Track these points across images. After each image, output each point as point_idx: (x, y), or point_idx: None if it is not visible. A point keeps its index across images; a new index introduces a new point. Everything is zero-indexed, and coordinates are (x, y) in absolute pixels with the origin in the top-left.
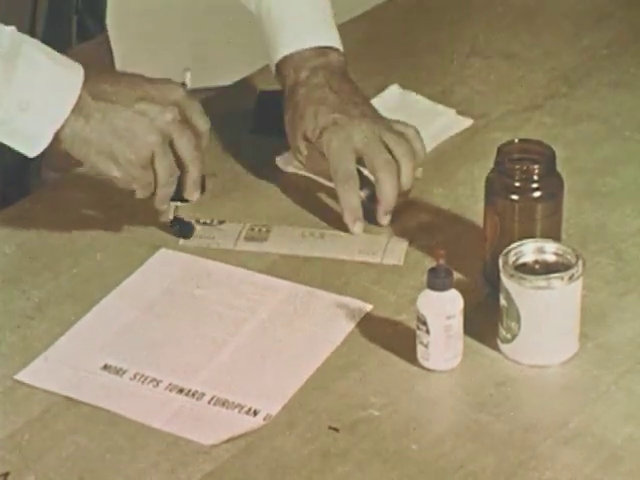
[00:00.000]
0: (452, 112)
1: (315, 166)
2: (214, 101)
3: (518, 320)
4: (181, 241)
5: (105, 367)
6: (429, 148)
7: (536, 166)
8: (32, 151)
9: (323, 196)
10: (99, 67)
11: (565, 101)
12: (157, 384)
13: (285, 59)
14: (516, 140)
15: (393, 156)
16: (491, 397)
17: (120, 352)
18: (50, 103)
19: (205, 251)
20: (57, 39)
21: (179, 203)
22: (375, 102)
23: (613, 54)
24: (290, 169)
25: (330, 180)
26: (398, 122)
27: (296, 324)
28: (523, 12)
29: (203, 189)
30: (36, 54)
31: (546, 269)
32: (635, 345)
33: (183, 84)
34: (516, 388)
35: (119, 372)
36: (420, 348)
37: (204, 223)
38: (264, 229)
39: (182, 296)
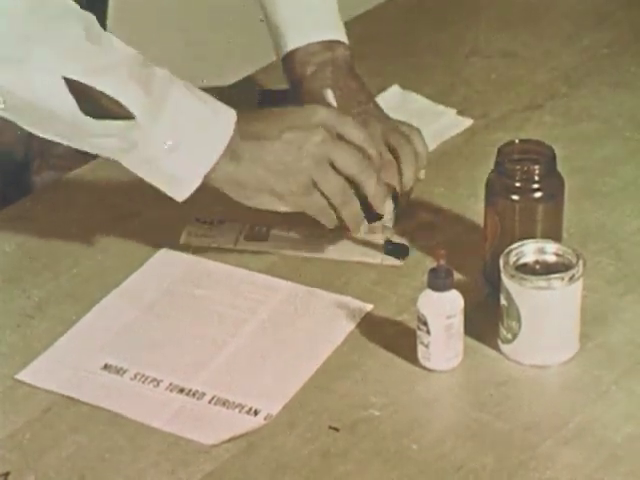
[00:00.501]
0: (452, 112)
1: None
2: None
3: (518, 320)
4: (182, 241)
5: (105, 367)
6: (430, 148)
7: (536, 166)
8: (180, 194)
9: None
10: (246, 107)
11: (565, 101)
12: (157, 384)
13: (291, 53)
14: (516, 140)
15: (395, 157)
16: (491, 397)
17: (120, 352)
18: (200, 145)
19: (205, 251)
20: None
21: (378, 223)
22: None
23: (614, 54)
24: None
25: None
26: (402, 123)
27: (296, 324)
28: (524, 12)
29: (407, 196)
30: (187, 96)
31: (547, 269)
32: (635, 345)
33: (328, 104)
34: (516, 388)
35: (119, 372)
36: (421, 348)
37: (204, 222)
38: (264, 229)
39: (182, 296)
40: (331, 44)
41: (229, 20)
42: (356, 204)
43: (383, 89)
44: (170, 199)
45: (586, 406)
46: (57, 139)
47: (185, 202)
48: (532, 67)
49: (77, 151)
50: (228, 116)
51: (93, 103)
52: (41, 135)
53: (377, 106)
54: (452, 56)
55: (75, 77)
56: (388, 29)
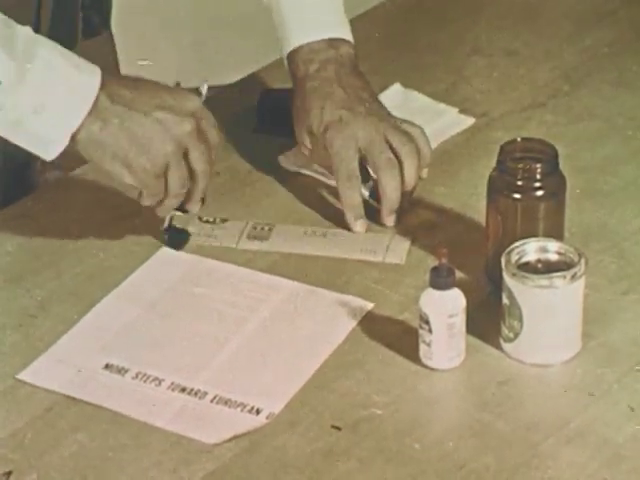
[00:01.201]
0: (454, 111)
1: (320, 160)
2: (217, 100)
3: (520, 319)
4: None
5: (107, 366)
6: (432, 146)
7: (538, 165)
8: (48, 154)
9: (326, 195)
10: (104, 65)
11: (567, 100)
12: (159, 383)
13: (295, 51)
14: (518, 139)
15: (397, 155)
16: (493, 396)
17: (122, 351)
18: (66, 106)
19: (207, 249)
20: (62, 36)
21: (178, 212)
22: None
23: (615, 53)
24: (293, 168)
25: (333, 178)
26: (405, 121)
27: (298, 323)
28: (525, 11)
29: (203, 201)
30: (52, 56)
31: (548, 268)
32: (637, 344)
33: (199, 93)
34: (518, 387)
35: (121, 371)
36: (422, 347)
37: (206, 221)
38: (266, 228)
39: (183, 295)
40: (335, 42)
41: (229, 20)
42: (180, 199)
43: (385, 88)
44: None
45: (588, 405)
46: None
47: (184, 213)
48: (533, 66)
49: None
50: (93, 75)
51: None
52: None
53: (380, 104)
54: (453, 55)
55: None
56: (389, 28)
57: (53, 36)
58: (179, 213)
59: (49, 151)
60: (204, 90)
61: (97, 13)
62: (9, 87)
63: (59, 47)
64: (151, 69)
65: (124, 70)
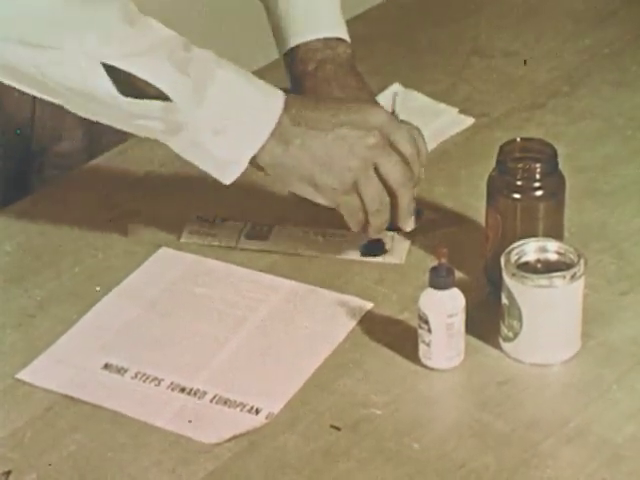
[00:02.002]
0: (454, 111)
1: None
2: None
3: (520, 319)
4: (183, 239)
5: (106, 366)
6: (431, 147)
7: (538, 165)
8: (225, 177)
9: None
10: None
11: (567, 100)
12: (159, 383)
13: (293, 50)
14: (518, 139)
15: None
16: (493, 396)
17: (121, 351)
18: (247, 129)
19: (206, 249)
20: None
21: (394, 233)
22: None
23: (615, 53)
24: None
25: None
26: (402, 122)
27: (297, 322)
28: (525, 11)
29: (419, 217)
30: (232, 77)
31: (548, 268)
32: (637, 344)
33: (393, 112)
34: (518, 387)
35: (120, 371)
36: (422, 347)
37: (206, 220)
38: (266, 227)
39: (183, 295)
40: (332, 42)
41: (229, 20)
42: (387, 215)
43: (384, 88)
44: (170, 198)
45: (588, 405)
46: (103, 121)
47: (186, 201)
48: (533, 66)
49: (79, 150)
50: (276, 98)
51: (133, 86)
52: (86, 116)
53: (377, 105)
54: (453, 55)
55: (111, 62)
56: (388, 28)
57: None
58: (391, 233)
59: (226, 174)
60: (396, 104)
61: None
62: (187, 107)
63: (242, 70)
64: None
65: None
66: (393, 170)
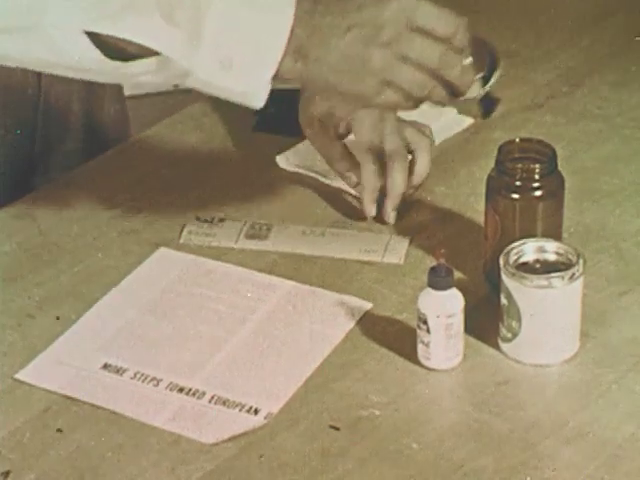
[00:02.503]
0: (453, 111)
1: (321, 147)
2: (215, 100)
3: (519, 319)
4: (182, 240)
5: (105, 366)
6: None
7: (537, 165)
8: (255, 103)
9: (324, 194)
10: None
11: (566, 100)
12: (157, 383)
13: None
14: (517, 139)
15: (409, 148)
16: (492, 396)
17: (120, 351)
18: (257, 54)
19: (205, 249)
20: None
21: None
22: None
23: (614, 53)
24: (291, 168)
25: (331, 177)
26: (412, 122)
27: (296, 323)
28: (524, 11)
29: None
30: (227, 6)
31: (547, 268)
32: (636, 344)
33: None
34: (517, 387)
35: (119, 371)
36: (421, 347)
37: (205, 221)
38: (265, 227)
39: (182, 295)
40: None
41: None
42: (441, 90)
43: None
44: (169, 198)
45: (587, 405)
46: (110, 82)
47: (185, 201)
48: (533, 66)
49: (82, 150)
50: (282, 15)
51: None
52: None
53: None
54: None
55: (93, 29)
56: None
57: None
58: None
59: (254, 100)
60: None
61: None
62: (184, 57)
63: None
64: None
65: None
66: (423, 53)
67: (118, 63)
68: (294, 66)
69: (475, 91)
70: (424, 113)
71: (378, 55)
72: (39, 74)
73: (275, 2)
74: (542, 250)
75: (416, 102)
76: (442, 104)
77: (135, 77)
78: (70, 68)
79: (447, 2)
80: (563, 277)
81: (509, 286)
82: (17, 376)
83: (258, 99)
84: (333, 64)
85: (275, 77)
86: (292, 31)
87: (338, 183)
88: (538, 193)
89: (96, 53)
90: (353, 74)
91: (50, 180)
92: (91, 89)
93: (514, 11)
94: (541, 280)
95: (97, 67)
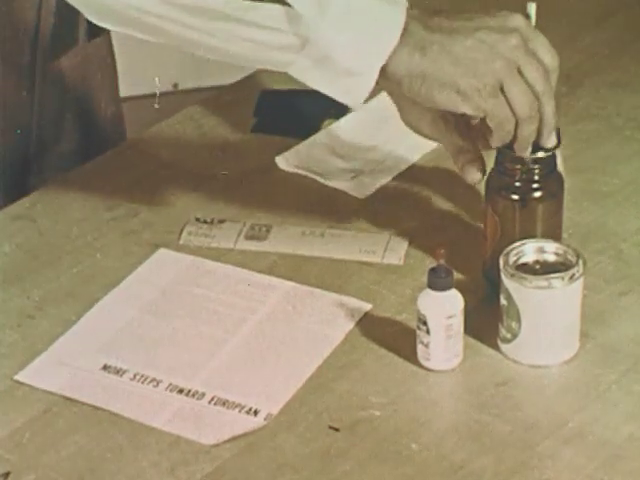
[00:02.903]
0: None
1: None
2: (214, 101)
3: (518, 320)
4: (182, 240)
5: (105, 367)
6: (430, 148)
7: (536, 166)
8: (355, 97)
9: (323, 195)
10: (103, 66)
11: (565, 101)
12: (157, 384)
13: None
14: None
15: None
16: (491, 397)
17: (120, 352)
18: (373, 36)
19: (205, 250)
20: (63, 36)
21: (539, 154)
22: (375, 103)
23: (614, 53)
24: (290, 168)
25: (330, 178)
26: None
27: (295, 324)
28: (523, 11)
29: (559, 138)
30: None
31: (546, 269)
32: (636, 344)
33: (526, 15)
34: (516, 388)
35: (119, 372)
36: (420, 348)
37: (204, 222)
38: (264, 228)
39: (181, 296)
40: None
41: None
42: (537, 122)
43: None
44: (168, 199)
45: (586, 406)
46: (217, 44)
47: (185, 202)
48: None
49: (77, 151)
50: (398, 6)
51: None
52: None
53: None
54: None
55: None
56: None
57: (54, 36)
58: (540, 154)
59: (355, 93)
60: (532, 10)
61: None
62: (312, 17)
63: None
64: (150, 70)
65: (122, 72)
66: (537, 76)
67: (248, 2)
68: (411, 56)
69: (552, 142)
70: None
71: (502, 57)
72: (33, 76)
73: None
74: (542, 251)
75: (509, 133)
76: (524, 148)
77: (254, 31)
78: (193, 11)
79: (446, 3)
80: (563, 278)
81: (509, 287)
82: (17, 377)
83: (361, 91)
84: (456, 57)
85: (386, 71)
86: (407, 23)
87: (337, 184)
88: (538, 194)
89: None
90: (474, 69)
91: (45, 181)
92: (85, 91)
93: (514, 11)
94: (541, 281)
95: (223, 7)
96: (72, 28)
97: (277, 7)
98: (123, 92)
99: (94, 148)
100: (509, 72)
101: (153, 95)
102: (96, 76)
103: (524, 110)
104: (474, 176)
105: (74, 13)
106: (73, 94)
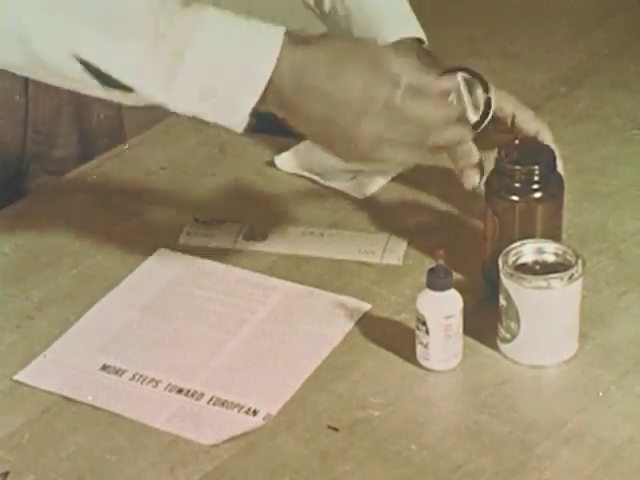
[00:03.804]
0: None
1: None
2: None
3: (517, 320)
4: (181, 241)
5: (104, 367)
6: None
7: (536, 167)
8: (238, 128)
9: (323, 196)
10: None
11: (565, 101)
12: (156, 384)
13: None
14: (516, 141)
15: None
16: (490, 397)
17: (119, 352)
18: (234, 92)
19: (204, 251)
20: None
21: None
22: None
23: (613, 54)
24: (290, 169)
25: (329, 178)
26: None
27: (295, 324)
28: (523, 12)
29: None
30: (215, 38)
31: (546, 269)
32: (635, 345)
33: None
34: (515, 388)
35: (118, 372)
36: (419, 348)
37: (204, 222)
38: (264, 228)
39: (181, 296)
40: (418, 41)
41: None
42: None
43: None
44: (168, 199)
45: (585, 406)
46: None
47: (184, 202)
48: (531, 67)
49: (73, 156)
50: (267, 54)
51: None
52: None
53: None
54: (451, 56)
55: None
56: None
57: None
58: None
59: (236, 126)
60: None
61: None
62: (157, 93)
63: (229, 20)
64: None
65: None
66: (406, 134)
67: (98, 84)
68: (275, 110)
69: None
70: None
71: (366, 134)
72: (26, 81)
73: (260, 39)
74: (541, 251)
75: (422, 152)
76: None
77: (114, 98)
78: (55, 76)
79: (445, 3)
80: (562, 278)
81: (508, 287)
82: (16, 377)
83: (238, 124)
84: (317, 129)
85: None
86: (272, 76)
87: (337, 184)
88: (537, 194)
89: (86, 74)
90: (344, 139)
91: (41, 184)
92: (79, 95)
93: (513, 11)
94: (540, 281)
95: (82, 81)
96: None
97: (127, 94)
98: None
99: (91, 152)
100: (374, 152)
101: None
102: None
103: (414, 138)
104: (472, 180)
105: None
106: (66, 99)
